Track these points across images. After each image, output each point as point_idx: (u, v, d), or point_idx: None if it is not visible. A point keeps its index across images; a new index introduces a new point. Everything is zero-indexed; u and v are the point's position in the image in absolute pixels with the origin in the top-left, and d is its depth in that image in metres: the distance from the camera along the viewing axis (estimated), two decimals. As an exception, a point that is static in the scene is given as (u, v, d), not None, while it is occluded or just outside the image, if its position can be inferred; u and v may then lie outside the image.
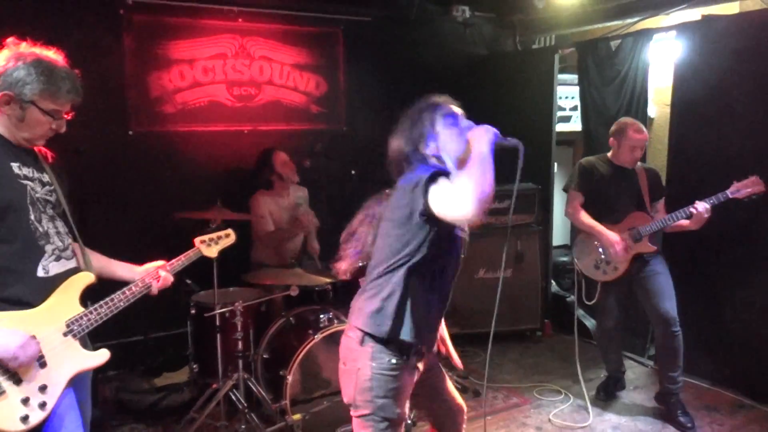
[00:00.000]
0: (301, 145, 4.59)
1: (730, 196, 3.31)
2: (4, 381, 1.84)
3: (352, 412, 2.07)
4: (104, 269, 2.27)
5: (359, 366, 2.03)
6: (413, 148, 2.08)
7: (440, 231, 1.98)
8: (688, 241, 3.72)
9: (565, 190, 3.83)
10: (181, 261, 2.40)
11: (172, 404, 3.73)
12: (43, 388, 1.91)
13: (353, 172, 4.59)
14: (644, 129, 3.64)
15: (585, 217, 3.65)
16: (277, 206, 4.21)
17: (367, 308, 2.05)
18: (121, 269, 2.30)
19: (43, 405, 1.90)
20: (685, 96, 4.10)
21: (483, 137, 1.95)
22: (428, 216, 1.93)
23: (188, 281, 3.68)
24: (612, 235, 3.54)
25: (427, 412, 2.44)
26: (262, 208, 4.10)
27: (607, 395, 3.89)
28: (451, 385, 2.38)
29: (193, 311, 3.60)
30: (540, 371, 4.35)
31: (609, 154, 3.71)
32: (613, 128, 3.68)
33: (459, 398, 2.40)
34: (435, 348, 2.29)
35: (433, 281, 2.07)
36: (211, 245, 2.56)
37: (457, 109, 2.13)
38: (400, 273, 2.01)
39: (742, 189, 3.29)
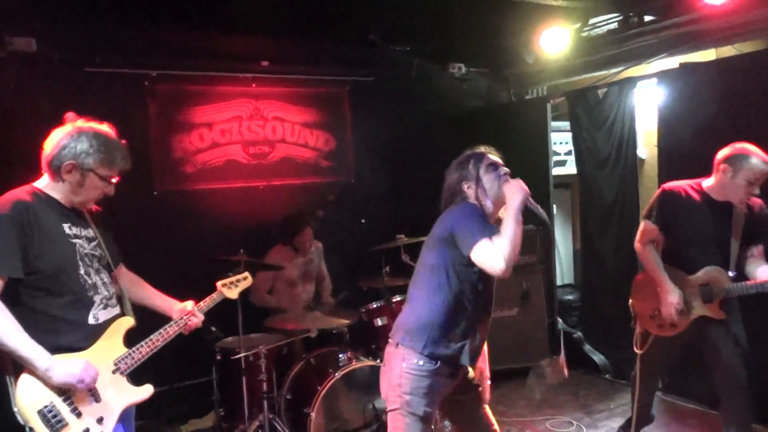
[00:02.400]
0: (313, 197, 4.91)
1: None
2: (67, 415, 2.06)
3: (387, 407, 2.33)
4: (146, 299, 2.53)
5: (392, 366, 2.31)
6: (458, 187, 2.39)
7: (475, 269, 2.25)
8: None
9: (644, 219, 3.14)
10: (207, 303, 2.64)
11: (200, 450, 3.89)
12: (100, 420, 2.13)
13: (363, 220, 4.91)
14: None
15: (650, 255, 3.07)
16: (292, 261, 4.41)
17: (404, 323, 2.35)
18: (160, 300, 2.57)
19: (101, 434, 2.11)
20: (670, 138, 4.29)
21: (517, 194, 2.24)
22: (468, 262, 2.22)
23: (213, 328, 3.83)
24: (671, 292, 2.96)
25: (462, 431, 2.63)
26: (273, 259, 4.29)
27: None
28: (489, 412, 2.56)
29: (218, 357, 3.78)
30: (551, 404, 4.48)
31: (706, 183, 3.02)
32: (727, 151, 2.95)
33: (495, 425, 2.57)
34: (472, 372, 2.48)
35: (464, 306, 2.31)
36: (231, 288, 2.79)
37: (497, 159, 2.44)
38: (436, 296, 2.28)
39: None
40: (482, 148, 2.46)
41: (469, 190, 2.36)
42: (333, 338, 3.95)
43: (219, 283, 2.76)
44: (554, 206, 5.30)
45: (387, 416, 2.34)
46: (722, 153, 2.97)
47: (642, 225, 3.14)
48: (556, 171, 5.40)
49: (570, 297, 5.37)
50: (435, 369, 2.28)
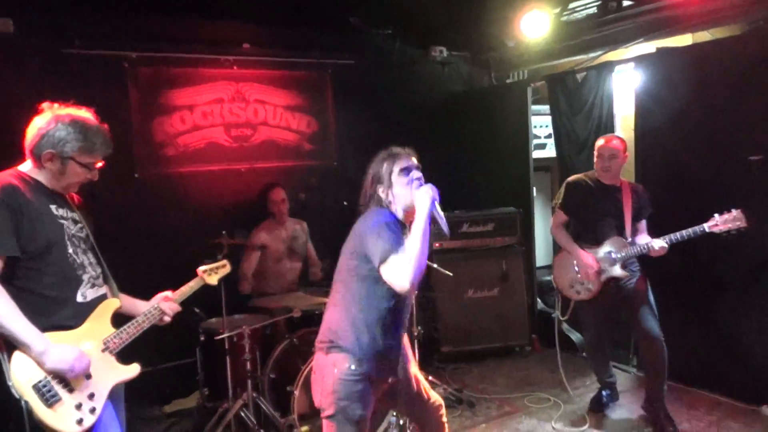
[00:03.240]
0: (296, 180, 4.91)
1: (707, 230, 3.28)
2: (60, 390, 2.12)
3: (321, 414, 2.33)
4: (129, 308, 2.53)
5: (324, 373, 2.31)
6: (373, 190, 2.39)
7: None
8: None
9: (553, 208, 3.97)
10: (185, 289, 2.67)
11: (184, 430, 3.93)
12: (91, 396, 2.19)
13: (345, 203, 4.81)
14: (614, 139, 3.73)
15: (563, 236, 3.82)
16: (274, 238, 4.46)
17: (331, 328, 2.35)
18: (143, 307, 2.56)
19: (93, 410, 2.18)
20: (646, 123, 4.38)
21: (423, 202, 2.21)
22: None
23: (197, 310, 3.90)
24: (585, 257, 3.68)
25: (410, 417, 2.72)
26: (254, 239, 4.36)
27: (600, 406, 4.02)
28: (424, 386, 2.61)
29: (202, 338, 3.83)
30: (530, 382, 4.60)
31: (595, 173, 3.81)
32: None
33: (435, 396, 2.64)
34: (402, 367, 2.49)
35: (387, 311, 2.31)
36: (211, 274, 2.83)
37: (413, 162, 2.40)
38: (359, 300, 2.30)
39: (722, 224, 3.24)
40: (397, 149, 2.42)
41: (382, 194, 2.36)
42: (316, 318, 3.91)
43: (200, 270, 2.80)
44: (534, 189, 5.39)
45: (322, 423, 2.35)
46: None
47: (554, 213, 3.90)
48: (536, 154, 5.47)
49: (548, 278, 5.34)
50: (367, 372, 2.29)
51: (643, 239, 3.60)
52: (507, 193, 5.33)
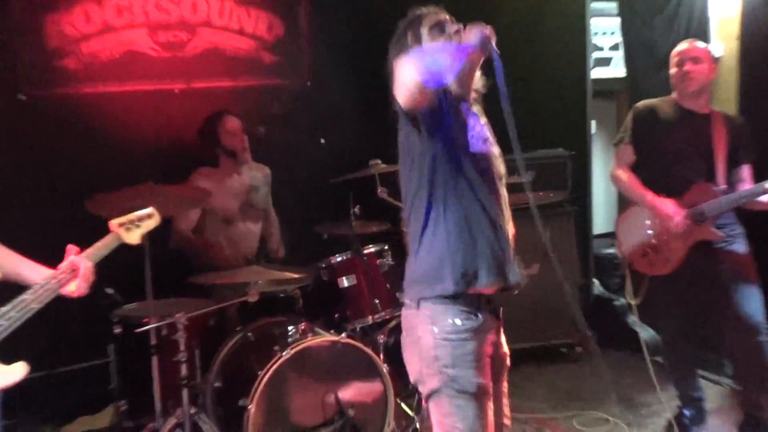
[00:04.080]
0: (251, 107, 4.87)
1: None
2: None
3: (422, 391, 2.40)
4: (8, 268, 2.48)
5: (420, 334, 2.36)
6: None
7: (441, 126, 2.33)
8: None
9: (616, 144, 3.99)
10: (94, 250, 2.59)
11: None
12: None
13: (322, 141, 4.92)
14: (697, 43, 3.79)
15: (628, 180, 3.84)
16: (225, 190, 4.42)
17: (414, 273, 2.42)
18: (29, 270, 2.51)
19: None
20: (758, 27, 4.38)
21: (473, 34, 2.25)
22: (408, 116, 2.29)
23: (110, 290, 3.87)
24: (664, 204, 3.67)
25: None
26: (193, 184, 4.33)
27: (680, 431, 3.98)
28: (506, 404, 2.65)
29: (117, 330, 3.77)
30: (581, 397, 4.62)
31: (674, 94, 3.85)
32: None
33: (508, 419, 2.65)
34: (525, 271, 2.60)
35: (474, 194, 2.37)
36: (131, 229, 2.76)
37: (445, 16, 2.48)
38: (433, 208, 2.37)
39: None
40: (421, 9, 2.51)
41: None
42: (280, 304, 4.00)
43: (114, 222, 2.73)
44: (593, 122, 5.36)
45: (427, 403, 2.41)
46: None
47: (616, 150, 3.96)
48: (596, 73, 5.44)
49: (611, 250, 5.44)
50: (479, 324, 2.35)
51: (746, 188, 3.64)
52: (553, 129, 5.30)
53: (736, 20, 4.54)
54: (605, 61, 5.68)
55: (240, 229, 4.52)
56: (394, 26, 4.98)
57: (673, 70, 3.77)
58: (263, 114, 4.89)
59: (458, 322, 2.32)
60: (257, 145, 4.59)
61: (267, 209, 4.72)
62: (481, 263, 2.35)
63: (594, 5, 5.34)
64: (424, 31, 2.44)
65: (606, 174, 5.70)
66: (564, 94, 5.41)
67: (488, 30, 2.25)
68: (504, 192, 2.52)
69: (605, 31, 5.60)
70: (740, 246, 3.72)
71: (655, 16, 4.92)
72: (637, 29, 5.03)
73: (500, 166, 2.51)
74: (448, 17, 2.48)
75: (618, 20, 5.19)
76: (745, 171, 3.73)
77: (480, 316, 2.36)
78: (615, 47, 5.56)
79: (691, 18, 4.73)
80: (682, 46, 3.79)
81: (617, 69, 5.55)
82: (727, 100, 4.90)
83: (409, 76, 2.12)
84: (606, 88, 5.81)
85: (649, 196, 3.74)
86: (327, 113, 5.07)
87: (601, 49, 5.63)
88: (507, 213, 2.52)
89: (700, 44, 3.79)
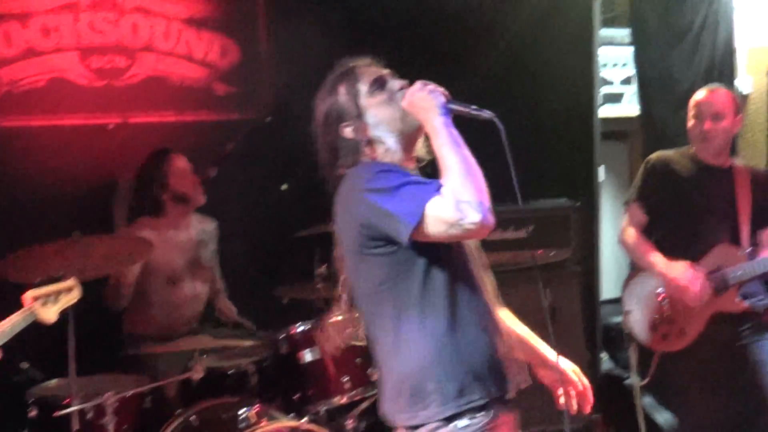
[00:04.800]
0: (201, 147, 4.87)
1: None
2: None
3: None
4: None
5: None
6: (336, 139, 2.44)
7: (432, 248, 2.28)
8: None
9: (626, 204, 4.07)
10: (4, 328, 2.63)
11: None
12: None
13: (284, 186, 4.91)
14: (719, 89, 3.89)
15: (639, 244, 3.90)
16: (170, 244, 4.42)
17: (395, 391, 2.36)
18: None
19: None
20: None
21: (426, 102, 2.27)
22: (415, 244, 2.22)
23: (24, 365, 3.85)
24: (681, 272, 3.70)
25: None
26: (136, 232, 4.30)
27: None
28: None
29: (33, 412, 3.68)
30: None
31: (691, 145, 3.94)
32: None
33: None
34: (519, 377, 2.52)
35: (450, 298, 2.32)
36: (48, 303, 2.80)
37: (383, 71, 2.50)
38: (405, 320, 2.31)
39: None
40: (348, 63, 2.53)
41: (354, 134, 2.42)
42: (230, 382, 3.96)
43: (28, 295, 2.76)
44: (601, 168, 5.39)
45: None
46: None
47: (628, 209, 4.06)
48: (605, 111, 5.46)
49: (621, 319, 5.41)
50: (490, 418, 2.30)
51: None
52: (555, 175, 5.36)
53: (767, 52, 4.75)
54: (616, 97, 5.74)
55: (185, 291, 4.51)
56: (368, 51, 5.02)
57: (690, 122, 3.87)
58: (214, 154, 4.88)
59: (465, 422, 2.28)
60: (206, 192, 4.58)
61: (214, 269, 4.73)
62: (468, 377, 2.31)
63: (603, 32, 5.40)
64: (362, 88, 2.43)
65: (617, 228, 5.79)
66: (568, 134, 5.46)
67: (437, 91, 2.30)
68: (481, 273, 2.52)
69: (616, 62, 5.67)
70: (762, 301, 3.80)
71: (673, 46, 5.01)
72: (652, 61, 5.11)
73: (470, 243, 2.51)
74: (387, 71, 2.50)
75: (631, 50, 5.28)
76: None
77: (491, 411, 2.31)
78: (627, 81, 5.74)
79: (715, 48, 4.84)
80: (700, 95, 3.87)
81: (630, 106, 5.73)
82: (755, 143, 5.00)
83: (472, 205, 2.10)
84: (616, 128, 5.95)
85: (661, 264, 3.79)
86: (290, 154, 4.86)
87: (611, 83, 5.75)
88: (493, 300, 2.51)
89: (722, 92, 3.88)
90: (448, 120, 2.25)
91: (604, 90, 5.55)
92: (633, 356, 4.01)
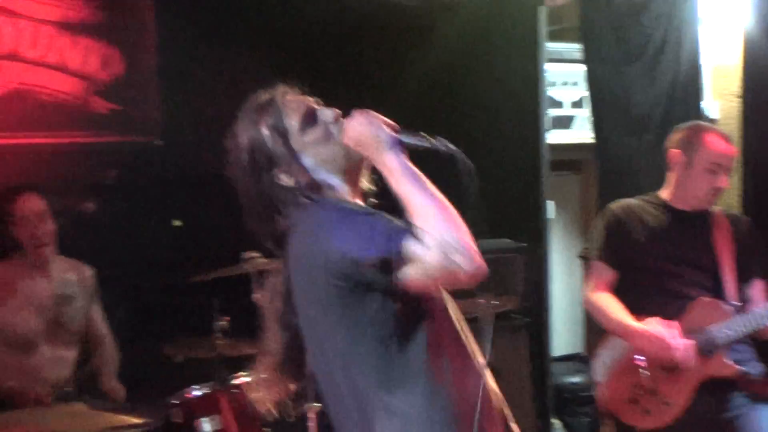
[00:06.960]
0: (75, 174, 4.82)
1: None
2: None
3: None
4: None
5: None
6: (268, 182, 2.31)
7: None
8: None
9: (584, 258, 3.93)
10: None
11: None
12: None
13: (177, 222, 4.84)
14: (725, 134, 3.74)
15: (609, 308, 3.68)
16: (19, 300, 4.17)
17: None
18: None
19: None
20: (762, 81, 4.45)
21: (371, 137, 2.17)
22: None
23: None
24: (647, 326, 3.49)
25: None
26: None
27: None
28: None
29: None
30: None
31: (664, 190, 3.79)
32: (675, 136, 3.76)
33: None
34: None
35: (434, 372, 2.15)
36: None
37: (308, 100, 2.39)
38: (374, 373, 2.15)
39: None
40: (265, 95, 2.40)
41: (289, 179, 2.31)
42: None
43: None
44: (550, 204, 5.42)
45: None
46: (672, 138, 3.76)
47: (587, 268, 3.91)
48: (554, 137, 5.53)
49: (576, 379, 5.41)
50: None
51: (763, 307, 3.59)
52: (497, 212, 5.16)
53: (736, 72, 4.67)
54: (566, 121, 5.71)
55: (43, 356, 4.16)
56: (275, 62, 4.89)
57: (701, 178, 3.63)
58: (92, 183, 4.82)
59: None
60: (78, 231, 4.46)
61: (95, 332, 4.39)
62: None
63: (551, 46, 5.36)
64: (292, 124, 2.31)
65: (568, 272, 5.67)
66: (511, 164, 5.44)
67: (381, 117, 2.18)
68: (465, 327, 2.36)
69: (566, 81, 5.66)
70: (755, 368, 3.63)
71: (630, 63, 4.97)
72: (606, 80, 5.03)
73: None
74: (312, 99, 2.40)
75: (582, 67, 5.18)
76: (757, 287, 3.68)
77: None
78: (579, 103, 5.63)
79: (679, 66, 4.82)
80: (719, 144, 3.65)
81: (581, 132, 5.69)
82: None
83: (459, 251, 1.94)
84: (567, 157, 5.96)
85: (630, 327, 3.57)
86: (184, 184, 4.88)
87: (561, 105, 5.68)
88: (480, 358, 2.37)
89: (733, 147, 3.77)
90: (401, 155, 2.15)
91: (553, 113, 5.52)
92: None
